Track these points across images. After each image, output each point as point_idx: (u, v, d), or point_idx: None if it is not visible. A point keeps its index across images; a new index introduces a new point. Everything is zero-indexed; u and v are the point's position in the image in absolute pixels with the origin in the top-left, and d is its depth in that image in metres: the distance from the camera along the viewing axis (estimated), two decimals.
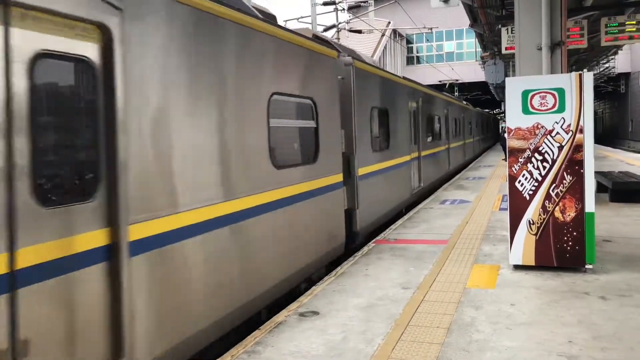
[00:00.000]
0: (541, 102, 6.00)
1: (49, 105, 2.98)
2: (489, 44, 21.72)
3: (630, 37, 13.61)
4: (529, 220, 6.12)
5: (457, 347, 4.17)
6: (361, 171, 8.40)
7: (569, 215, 5.98)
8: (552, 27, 7.87)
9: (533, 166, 6.07)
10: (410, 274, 6.26)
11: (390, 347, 4.20)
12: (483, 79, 33.16)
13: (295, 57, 6.10)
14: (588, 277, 5.87)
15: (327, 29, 20.84)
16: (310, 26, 19.66)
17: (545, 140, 6.01)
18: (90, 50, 3.21)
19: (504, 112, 51.06)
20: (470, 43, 44.26)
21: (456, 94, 42.65)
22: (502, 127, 62.96)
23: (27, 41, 2.82)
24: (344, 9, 21.48)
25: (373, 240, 8.24)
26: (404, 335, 4.43)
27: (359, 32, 23.40)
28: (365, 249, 7.68)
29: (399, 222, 9.79)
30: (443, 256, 7.05)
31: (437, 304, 5.17)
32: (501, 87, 31.06)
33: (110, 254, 3.32)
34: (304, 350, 4.21)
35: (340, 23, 21.65)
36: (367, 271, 6.47)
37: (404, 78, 12.27)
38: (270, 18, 6.70)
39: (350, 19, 22.89)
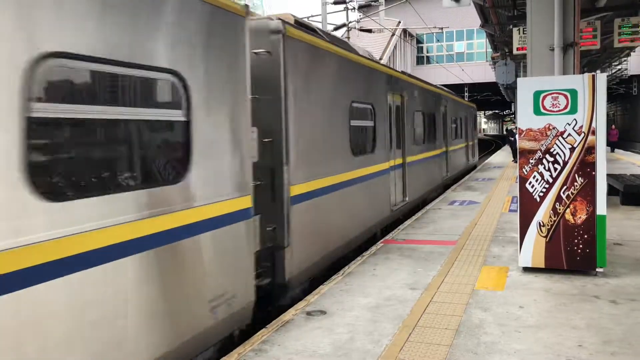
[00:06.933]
0: (553, 103, 5.94)
1: None
2: (500, 44, 21.59)
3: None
4: (539, 222, 6.06)
5: (465, 349, 4.14)
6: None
7: (580, 217, 5.92)
8: (565, 28, 7.81)
9: (544, 167, 6.01)
10: (418, 275, 6.23)
11: (398, 348, 4.18)
12: (493, 80, 32.95)
13: None
14: (598, 280, 5.81)
15: (337, 27, 20.79)
16: (320, 25, 19.63)
17: (557, 142, 5.95)
18: None
19: (513, 113, 50.57)
20: (481, 43, 43.98)
21: (466, 95, 42.39)
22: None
23: None
24: (354, 8, 21.40)
25: (381, 240, 8.22)
26: (412, 336, 4.41)
27: (369, 31, 23.32)
28: (373, 248, 7.66)
29: (407, 222, 9.75)
30: (451, 257, 7.01)
31: (445, 305, 5.14)
32: (511, 88, 30.82)
33: None
34: (310, 349, 4.20)
35: (350, 22, 21.60)
36: (375, 271, 6.45)
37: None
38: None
39: (360, 18, 22.84)
